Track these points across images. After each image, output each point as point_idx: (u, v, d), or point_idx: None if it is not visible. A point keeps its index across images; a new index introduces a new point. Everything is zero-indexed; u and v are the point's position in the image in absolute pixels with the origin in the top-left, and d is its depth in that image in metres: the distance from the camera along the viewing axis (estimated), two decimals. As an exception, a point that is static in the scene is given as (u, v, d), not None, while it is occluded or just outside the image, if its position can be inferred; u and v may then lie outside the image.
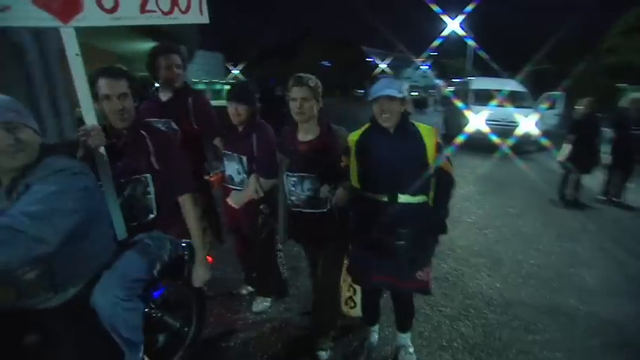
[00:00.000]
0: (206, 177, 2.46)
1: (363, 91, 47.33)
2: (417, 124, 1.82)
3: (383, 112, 1.74)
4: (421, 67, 51.78)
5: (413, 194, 1.78)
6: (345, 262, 2.26)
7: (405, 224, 1.80)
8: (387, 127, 1.79)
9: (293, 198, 2.07)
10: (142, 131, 1.76)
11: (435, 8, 20.83)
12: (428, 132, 1.79)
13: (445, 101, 14.35)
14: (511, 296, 3.00)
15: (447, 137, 10.44)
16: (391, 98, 1.73)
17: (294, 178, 2.02)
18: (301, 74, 1.95)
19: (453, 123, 11.43)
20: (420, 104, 27.23)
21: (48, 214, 1.20)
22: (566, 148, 5.26)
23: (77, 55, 1.54)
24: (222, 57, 31.50)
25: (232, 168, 2.33)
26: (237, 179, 2.32)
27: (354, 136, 1.90)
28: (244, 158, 2.26)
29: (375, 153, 1.80)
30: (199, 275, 1.92)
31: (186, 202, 1.82)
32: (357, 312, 2.41)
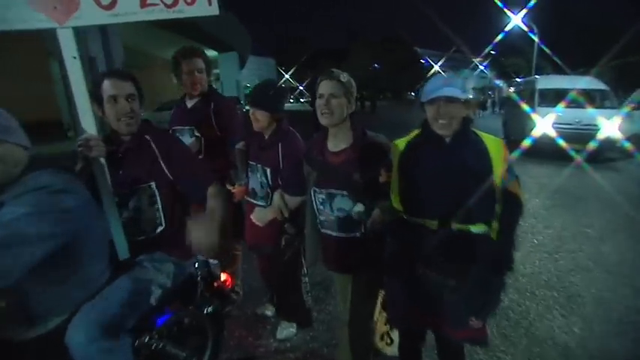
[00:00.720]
0: (229, 187, 2.25)
1: (414, 94, 45.92)
2: (480, 133, 1.42)
3: (439, 116, 1.37)
4: (479, 66, 49.01)
5: (471, 222, 1.37)
6: (382, 293, 1.90)
7: (459, 258, 1.40)
8: (442, 136, 1.41)
9: (321, 218, 1.76)
10: (146, 136, 1.59)
11: (497, 2, 19.40)
12: (495, 144, 1.38)
13: (506, 102, 13.14)
14: (596, 348, 2.37)
15: (508, 143, 9.42)
16: (451, 100, 1.35)
17: (322, 195, 1.71)
18: (333, 69, 1.64)
19: (514, 126, 10.39)
20: (478, 107, 25.70)
21: (8, 240, 1.01)
22: None
23: (75, 58, 1.38)
24: (274, 62, 32.36)
25: (256, 180, 2.09)
26: (261, 193, 2.08)
27: (398, 145, 1.54)
28: (268, 170, 2.01)
29: (424, 167, 1.43)
30: (198, 238, 1.42)
31: (210, 193, 1.62)
32: (393, 350, 2.03)
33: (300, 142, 2.01)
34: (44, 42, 10.31)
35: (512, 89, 13.05)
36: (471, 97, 1.36)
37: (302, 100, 47.17)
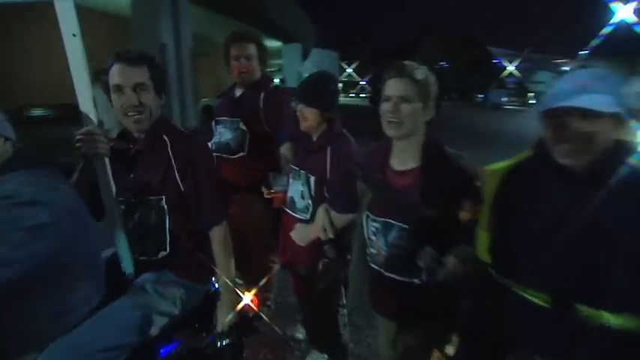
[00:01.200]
0: (264, 190, 1.93)
1: (483, 96, 42.77)
2: None
3: (563, 138, 0.88)
4: (563, 68, 44.14)
5: (608, 308, 0.88)
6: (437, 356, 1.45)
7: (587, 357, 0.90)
8: (568, 166, 0.91)
9: (372, 250, 1.36)
10: (164, 136, 1.30)
11: None
12: None
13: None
14: None
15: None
16: (588, 114, 0.84)
17: (376, 224, 1.31)
18: (406, 62, 1.22)
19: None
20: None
21: None
22: None
23: (74, 35, 1.12)
24: (337, 55, 32.04)
25: (296, 189, 1.74)
26: (300, 205, 1.73)
27: (495, 172, 1.07)
28: (312, 179, 1.65)
29: (536, 211, 0.95)
30: (220, 320, 1.44)
31: (215, 235, 1.37)
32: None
33: (353, 149, 1.62)
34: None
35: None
36: (622, 110, 0.84)
37: (362, 95, 46.25)
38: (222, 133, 2.04)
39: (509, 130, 14.72)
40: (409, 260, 1.23)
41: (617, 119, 0.85)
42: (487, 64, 47.31)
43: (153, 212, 1.28)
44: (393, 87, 1.19)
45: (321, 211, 1.58)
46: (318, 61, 24.86)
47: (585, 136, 0.85)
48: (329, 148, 1.60)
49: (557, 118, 0.88)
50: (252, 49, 1.97)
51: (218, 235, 1.37)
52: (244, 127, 1.98)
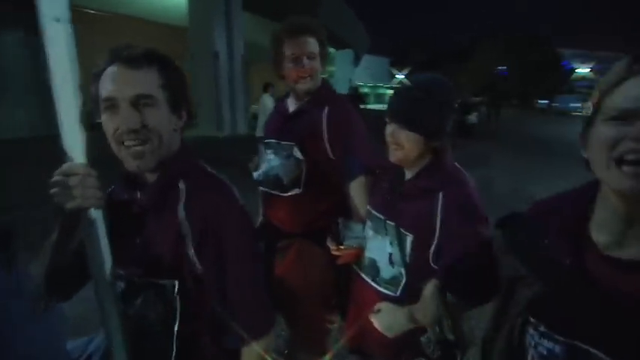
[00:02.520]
0: (332, 246, 1.33)
1: (547, 102, 39.17)
2: None
3: None
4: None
5: None
6: None
7: None
8: None
9: None
10: (181, 182, 0.82)
11: None
12: None
13: None
14: None
15: None
16: None
17: (551, 344, 0.65)
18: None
19: None
20: None
21: None
22: None
23: (58, 20, 0.69)
24: (388, 61, 31.25)
25: (381, 248, 1.16)
26: (387, 273, 1.14)
27: None
28: (409, 238, 1.07)
29: None
30: None
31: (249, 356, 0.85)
32: None
33: (477, 196, 1.03)
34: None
35: None
36: None
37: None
38: (271, 162, 1.53)
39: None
40: None
41: None
42: (552, 66, 43.43)
43: (159, 301, 0.79)
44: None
45: (431, 290, 0.98)
46: (367, 67, 24.37)
47: None
48: (440, 195, 1.02)
49: None
50: (314, 45, 1.42)
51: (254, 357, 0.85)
52: (300, 155, 1.44)
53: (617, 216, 0.62)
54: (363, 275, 1.22)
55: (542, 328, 0.68)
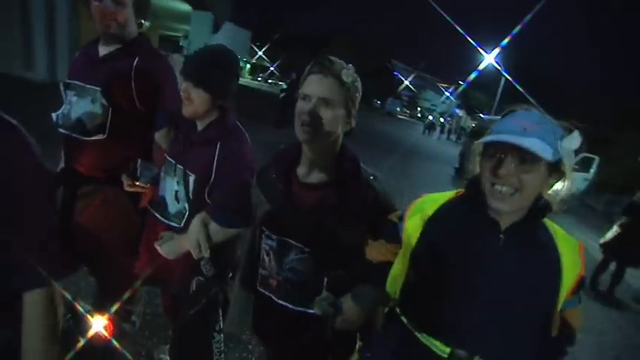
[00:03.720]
0: (126, 181, 1.45)
1: (380, 102, 46.37)
2: (552, 226, 0.92)
3: (499, 177, 0.83)
4: (445, 92, 50.94)
5: None
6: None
7: None
8: (496, 221, 0.89)
9: (263, 272, 1.17)
10: None
11: (471, 41, 19.47)
12: (571, 249, 0.89)
13: (472, 135, 13.45)
14: None
15: (463, 178, 9.49)
16: (525, 160, 0.82)
17: (271, 242, 1.12)
18: (333, 58, 1.01)
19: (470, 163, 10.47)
20: (429, 127, 26.83)
21: None
22: (615, 231, 4.42)
23: None
24: (250, 35, 30.61)
25: (169, 187, 1.37)
26: (173, 208, 1.37)
27: (426, 206, 0.99)
28: (192, 177, 1.32)
29: (456, 260, 0.90)
30: None
31: (33, 303, 0.80)
32: None
33: (246, 146, 1.34)
34: None
35: (471, 123, 13.36)
36: (564, 160, 0.83)
37: (270, 81, 45.15)
38: (73, 105, 1.47)
39: (406, 139, 16.18)
40: (305, 288, 1.10)
41: (551, 170, 0.84)
42: (386, 73, 51.44)
43: None
44: (314, 85, 0.98)
45: (196, 222, 1.27)
46: (230, 36, 23.35)
47: (520, 180, 0.82)
48: (218, 144, 1.28)
49: (495, 154, 0.85)
50: None
51: (37, 307, 0.80)
52: (105, 101, 1.43)
53: (307, 158, 1.08)
54: (153, 211, 1.41)
55: (266, 232, 1.12)
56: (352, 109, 1.04)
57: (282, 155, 1.13)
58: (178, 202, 1.35)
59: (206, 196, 1.31)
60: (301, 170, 1.10)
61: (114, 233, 1.55)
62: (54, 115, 1.51)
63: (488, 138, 0.83)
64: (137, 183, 1.45)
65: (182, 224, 1.34)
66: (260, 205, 1.16)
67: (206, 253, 1.27)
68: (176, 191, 1.35)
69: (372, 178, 1.11)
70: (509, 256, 0.87)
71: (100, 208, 1.53)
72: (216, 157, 1.27)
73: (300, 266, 1.08)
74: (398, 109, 46.30)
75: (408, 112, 51.59)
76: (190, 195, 1.32)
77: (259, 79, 44.53)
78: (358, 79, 1.05)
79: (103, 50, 1.49)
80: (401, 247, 1.00)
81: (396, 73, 53.54)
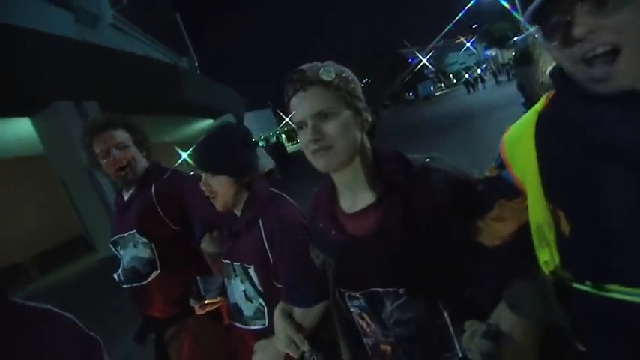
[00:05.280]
0: (195, 305, 1.32)
1: (412, 93, 45.11)
2: None
3: (591, 42, 0.49)
4: (466, 43, 47.94)
5: None
6: None
7: None
8: (604, 89, 0.51)
9: (369, 341, 0.88)
10: None
11: None
12: None
13: (519, 62, 11.95)
14: None
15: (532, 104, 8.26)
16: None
17: (357, 301, 0.86)
18: (305, 66, 0.82)
19: (534, 86, 9.20)
20: (470, 85, 25.07)
21: None
22: None
23: None
24: (270, 109, 32.70)
25: (237, 290, 1.21)
26: (249, 310, 1.19)
27: (522, 134, 0.67)
28: (251, 269, 1.16)
29: (617, 163, 0.53)
30: None
31: None
32: None
33: (293, 210, 1.18)
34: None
35: (511, 52, 12.05)
36: None
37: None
38: (124, 257, 1.51)
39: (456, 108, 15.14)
40: (427, 338, 0.79)
41: None
42: (403, 66, 50.50)
43: None
44: (300, 107, 0.80)
45: (277, 316, 1.07)
46: (254, 122, 25.24)
47: (615, 28, 0.48)
48: (260, 221, 1.13)
49: (561, 19, 0.52)
50: (121, 135, 1.47)
51: None
52: (145, 239, 1.44)
53: (343, 186, 0.86)
54: (233, 322, 1.25)
55: (347, 292, 0.85)
56: (357, 103, 0.82)
57: (317, 199, 0.93)
58: (252, 302, 1.18)
59: (275, 282, 1.14)
60: (345, 202, 0.87)
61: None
62: (115, 276, 1.55)
63: (533, 6, 0.53)
64: (206, 302, 1.32)
65: (267, 323, 1.15)
66: (326, 265, 0.91)
67: (304, 346, 1.04)
68: (244, 291, 1.19)
69: (428, 161, 0.84)
70: None
71: (193, 346, 1.46)
72: (263, 236, 1.12)
73: (406, 314, 0.79)
74: (432, 88, 44.54)
75: (443, 85, 49.27)
76: (259, 287, 1.15)
77: (298, 141, 46.43)
78: (344, 68, 0.84)
79: (126, 196, 1.56)
80: (523, 197, 0.67)
81: (411, 60, 52.36)
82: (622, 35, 0.49)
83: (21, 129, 10.02)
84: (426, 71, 51.06)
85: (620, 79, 0.49)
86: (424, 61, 49.77)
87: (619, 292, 0.54)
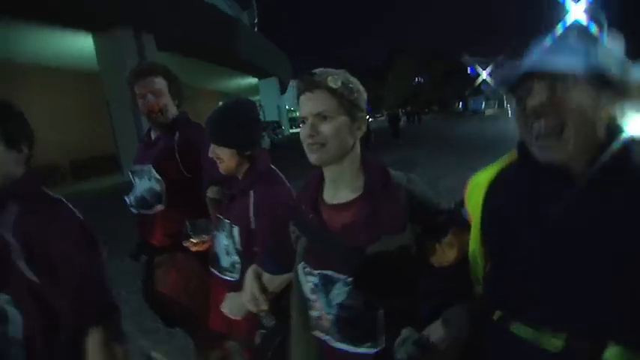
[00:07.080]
0: (184, 243, 1.56)
1: (462, 103, 43.51)
2: None
3: (538, 116, 0.66)
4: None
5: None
6: None
7: None
8: (555, 165, 0.68)
9: (314, 314, 1.05)
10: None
11: None
12: None
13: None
14: None
15: None
16: (561, 79, 0.64)
17: (314, 278, 1.02)
18: (317, 70, 0.96)
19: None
20: None
21: None
22: None
23: None
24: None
25: (220, 242, 1.42)
26: (225, 262, 1.39)
27: (479, 182, 0.83)
28: (235, 229, 1.34)
29: (539, 230, 0.70)
30: None
31: (91, 340, 0.94)
32: None
33: (284, 191, 1.33)
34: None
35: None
36: (614, 71, 0.62)
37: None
38: (137, 186, 1.73)
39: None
40: (360, 325, 0.94)
41: (598, 85, 0.63)
42: (459, 74, 48.64)
43: None
44: (306, 105, 0.94)
45: (249, 275, 1.23)
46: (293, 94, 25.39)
47: (558, 111, 0.63)
48: (251, 192, 1.30)
49: (527, 87, 0.67)
50: (159, 82, 1.68)
51: (93, 344, 0.93)
52: (158, 175, 1.66)
53: (329, 179, 1.02)
54: (211, 267, 1.44)
55: (306, 268, 1.01)
56: (355, 112, 0.95)
57: (306, 184, 1.10)
58: (229, 256, 1.38)
59: (253, 246, 1.33)
60: (327, 193, 1.03)
61: (194, 297, 1.67)
62: (126, 199, 1.79)
63: (517, 71, 0.68)
64: (192, 240, 1.55)
65: (237, 276, 1.35)
66: (298, 242, 1.09)
67: (264, 306, 1.22)
68: (226, 245, 1.39)
69: (406, 180, 0.98)
70: (596, 204, 0.65)
71: (177, 277, 1.69)
72: (251, 205, 1.29)
73: (349, 300, 0.96)
74: (483, 105, 42.85)
75: (496, 105, 47.36)
76: (238, 247, 1.34)
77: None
78: (351, 80, 0.97)
79: (153, 135, 1.79)
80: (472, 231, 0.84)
81: (471, 70, 50.24)
82: (567, 112, 0.63)
83: (84, 44, 10.57)
84: (483, 87, 48.96)
85: (560, 150, 0.64)
86: (484, 74, 47.71)
87: (518, 329, 0.70)
